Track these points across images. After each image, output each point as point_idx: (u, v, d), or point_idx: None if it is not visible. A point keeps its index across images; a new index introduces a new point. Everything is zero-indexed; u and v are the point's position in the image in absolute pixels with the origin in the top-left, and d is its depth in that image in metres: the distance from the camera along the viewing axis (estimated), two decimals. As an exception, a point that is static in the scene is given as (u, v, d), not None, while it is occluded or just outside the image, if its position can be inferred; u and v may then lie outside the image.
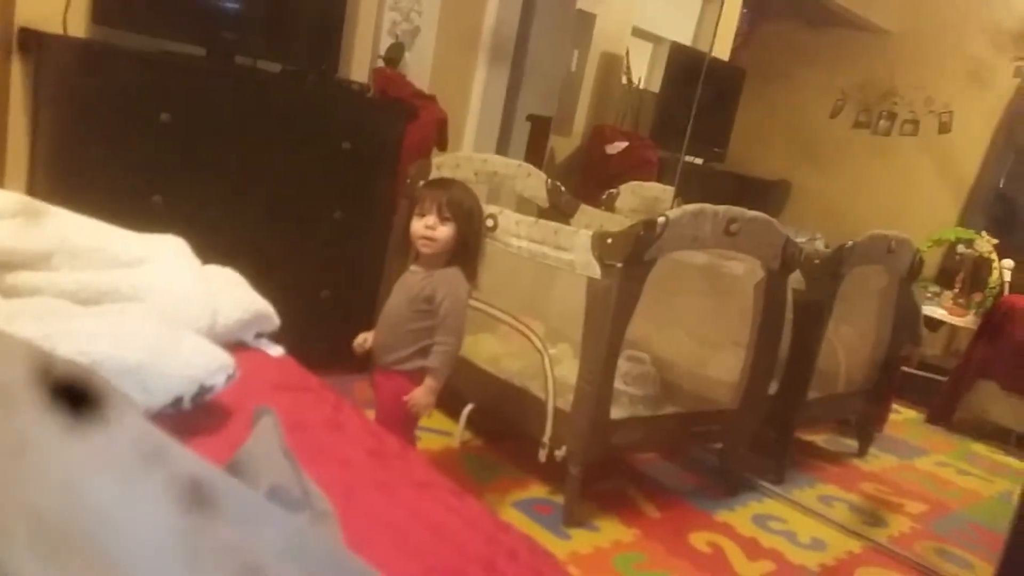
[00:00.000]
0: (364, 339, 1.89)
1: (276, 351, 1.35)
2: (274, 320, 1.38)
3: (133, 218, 2.10)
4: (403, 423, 1.83)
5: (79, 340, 0.82)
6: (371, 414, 1.97)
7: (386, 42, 3.37)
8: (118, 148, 2.22)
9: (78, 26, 2.39)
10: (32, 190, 2.44)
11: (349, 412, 1.11)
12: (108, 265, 1.11)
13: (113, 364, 0.82)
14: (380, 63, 3.31)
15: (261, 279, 1.67)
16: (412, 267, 1.84)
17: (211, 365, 0.96)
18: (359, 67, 3.19)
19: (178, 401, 0.93)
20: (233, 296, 1.28)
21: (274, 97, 2.59)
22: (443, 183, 1.88)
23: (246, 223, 2.48)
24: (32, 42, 2.35)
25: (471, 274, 1.82)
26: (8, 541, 0.36)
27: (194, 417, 0.94)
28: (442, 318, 1.76)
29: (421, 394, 1.77)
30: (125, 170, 2.24)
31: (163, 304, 1.07)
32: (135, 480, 0.38)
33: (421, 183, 1.92)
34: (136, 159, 2.25)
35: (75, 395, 0.44)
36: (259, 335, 1.36)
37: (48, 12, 2.34)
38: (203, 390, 0.96)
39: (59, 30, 2.34)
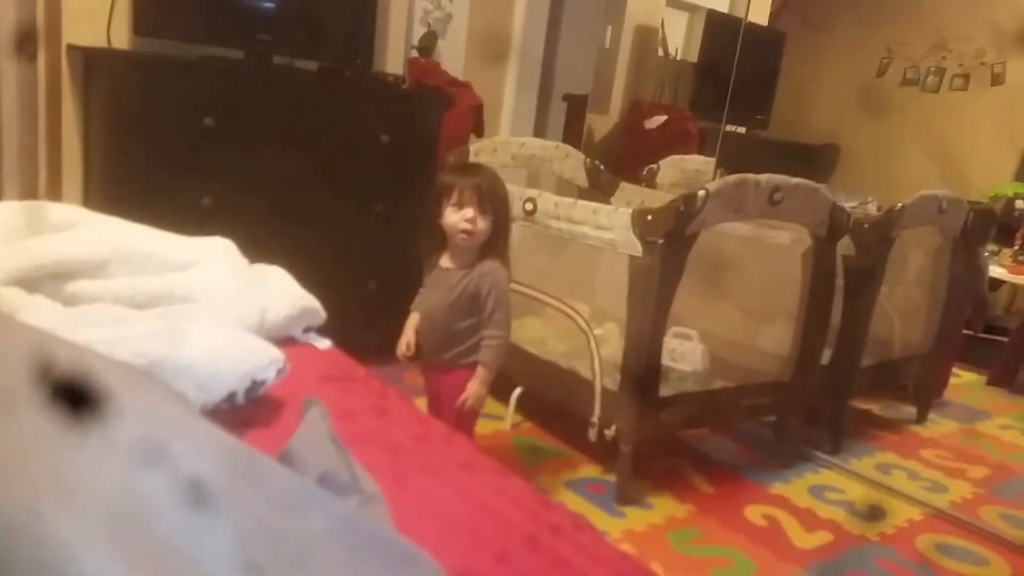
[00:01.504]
0: (408, 345, 1.87)
1: (323, 344, 1.39)
2: (320, 314, 1.42)
3: (184, 220, 2.16)
4: (468, 416, 1.85)
5: (135, 343, 0.86)
6: (421, 402, 2.02)
7: (419, 32, 3.39)
8: (166, 154, 2.30)
9: (121, 39, 2.47)
10: (88, 200, 2.54)
11: (395, 399, 1.15)
12: (161, 269, 1.16)
13: (168, 364, 0.86)
14: (414, 53, 3.34)
15: (309, 273, 1.70)
16: (444, 263, 1.80)
17: (261, 360, 1.00)
18: (394, 59, 3.22)
19: (232, 396, 0.97)
20: (281, 293, 1.32)
21: (312, 94, 2.63)
22: (473, 170, 1.85)
23: (292, 219, 2.54)
24: (79, 58, 2.43)
25: (506, 262, 1.80)
26: (8, 544, 0.37)
27: (248, 411, 0.98)
28: (489, 313, 1.75)
29: (475, 387, 1.78)
30: (174, 175, 2.31)
31: (214, 304, 1.12)
32: (135, 479, 0.40)
33: (449, 171, 1.89)
34: (184, 163, 2.33)
35: (75, 395, 0.45)
36: (307, 329, 1.41)
37: (92, 28, 2.42)
38: (255, 385, 1.00)
39: (103, 43, 2.42)
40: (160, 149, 2.29)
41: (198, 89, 2.33)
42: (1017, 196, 4.70)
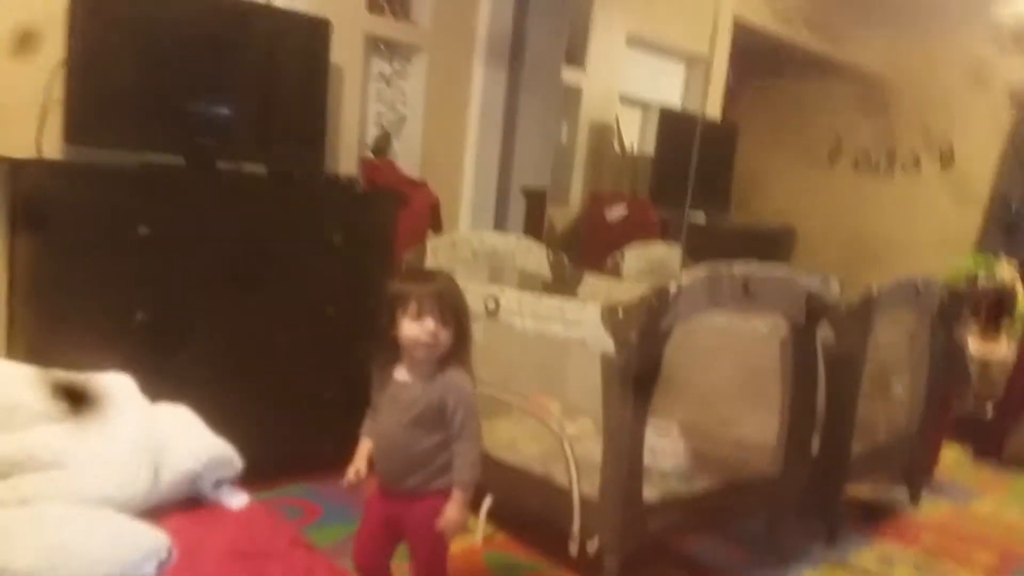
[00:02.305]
0: (357, 473, 1.67)
1: (239, 501, 1.17)
2: (235, 464, 1.21)
3: (117, 335, 1.98)
4: (444, 547, 1.68)
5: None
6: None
7: (372, 133, 3.34)
8: (96, 267, 2.14)
9: (52, 147, 2.34)
10: (12, 320, 2.35)
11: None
12: (31, 423, 0.95)
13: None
14: (368, 154, 3.27)
15: (258, 384, 1.53)
16: (400, 377, 1.64)
17: (135, 554, 0.78)
18: (347, 160, 3.14)
19: None
20: (182, 444, 1.11)
21: (259, 198, 2.53)
22: (430, 276, 1.71)
23: (237, 328, 2.38)
24: (5, 169, 2.29)
25: (470, 370, 1.65)
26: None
27: None
28: (460, 427, 1.59)
29: (454, 511, 1.59)
30: (105, 289, 2.14)
31: (89, 469, 0.91)
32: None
33: (402, 278, 1.69)
34: (116, 276, 2.16)
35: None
36: (219, 483, 1.19)
37: (20, 138, 2.29)
38: None
39: (32, 154, 2.29)
40: (90, 261, 2.12)
41: (132, 198, 2.19)
42: (979, 270, 4.72)
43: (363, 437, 1.71)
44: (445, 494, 1.60)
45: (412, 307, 1.56)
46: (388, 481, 1.64)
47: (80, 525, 0.78)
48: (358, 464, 1.68)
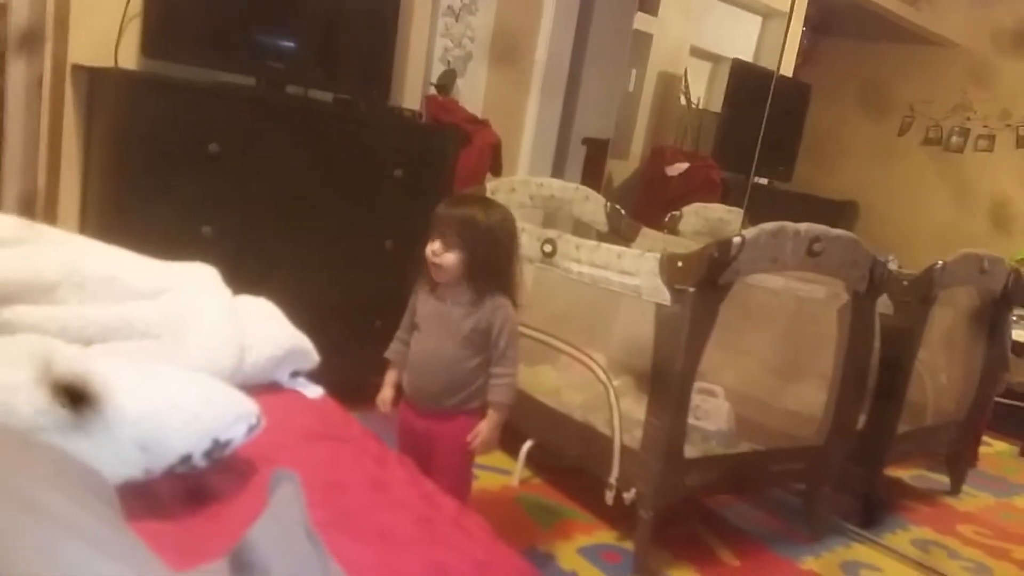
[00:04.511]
0: (383, 402, 1.74)
1: (314, 392, 1.21)
2: (312, 357, 1.25)
3: (182, 248, 2.03)
4: (469, 464, 1.73)
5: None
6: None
7: (438, 69, 3.31)
8: (167, 179, 2.18)
9: (129, 60, 2.38)
10: (84, 223, 2.43)
11: (395, 467, 0.97)
12: (122, 297, 0.99)
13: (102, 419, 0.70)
14: (432, 90, 3.25)
15: (312, 309, 1.56)
16: (442, 299, 1.65)
17: (227, 415, 0.82)
18: (411, 94, 3.13)
19: (186, 459, 0.79)
20: (266, 331, 1.15)
21: (325, 126, 2.53)
22: (457, 201, 1.69)
23: (296, 252, 2.42)
24: (83, 77, 2.34)
25: (514, 300, 1.65)
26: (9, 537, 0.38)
27: (210, 476, 0.81)
28: (503, 350, 1.62)
29: (488, 430, 1.64)
30: (175, 201, 2.19)
31: (181, 342, 0.95)
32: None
33: (442, 203, 1.67)
34: (186, 190, 2.20)
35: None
36: (296, 373, 1.23)
37: (99, 48, 2.33)
38: (218, 445, 0.82)
39: (110, 64, 2.33)
40: (161, 174, 2.17)
41: (204, 114, 2.22)
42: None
43: (392, 363, 1.75)
44: (476, 415, 1.65)
45: (435, 229, 1.60)
46: (423, 400, 1.68)
47: (178, 381, 0.81)
48: (386, 394, 1.73)
